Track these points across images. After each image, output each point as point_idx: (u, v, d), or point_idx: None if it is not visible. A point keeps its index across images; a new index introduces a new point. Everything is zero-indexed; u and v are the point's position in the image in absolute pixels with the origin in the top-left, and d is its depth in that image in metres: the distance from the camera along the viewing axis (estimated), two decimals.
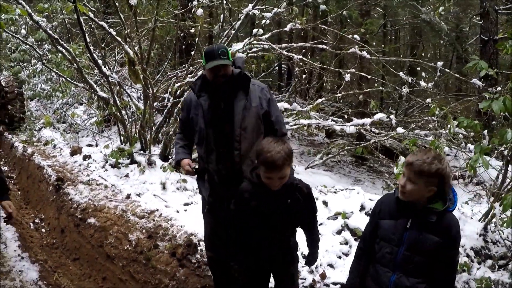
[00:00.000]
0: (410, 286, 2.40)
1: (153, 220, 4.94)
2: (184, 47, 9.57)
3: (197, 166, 3.45)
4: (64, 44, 6.23)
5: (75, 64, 6.75)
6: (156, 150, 7.11)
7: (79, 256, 5.22)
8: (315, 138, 12.83)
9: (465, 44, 15.14)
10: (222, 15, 6.07)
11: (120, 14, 6.19)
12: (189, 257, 4.23)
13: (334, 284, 3.85)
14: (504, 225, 4.18)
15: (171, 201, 5.50)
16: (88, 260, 5.06)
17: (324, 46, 7.16)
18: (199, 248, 4.30)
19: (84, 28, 5.55)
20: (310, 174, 7.93)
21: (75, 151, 7.34)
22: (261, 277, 3.10)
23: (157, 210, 5.13)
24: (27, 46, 8.65)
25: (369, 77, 7.16)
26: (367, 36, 9.44)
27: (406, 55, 14.74)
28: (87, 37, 5.68)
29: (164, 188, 5.85)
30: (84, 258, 5.13)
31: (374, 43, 11.10)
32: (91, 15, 5.31)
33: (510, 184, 4.44)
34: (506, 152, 4.47)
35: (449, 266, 2.39)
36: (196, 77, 3.76)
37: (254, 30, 6.15)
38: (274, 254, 2.97)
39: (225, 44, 6.33)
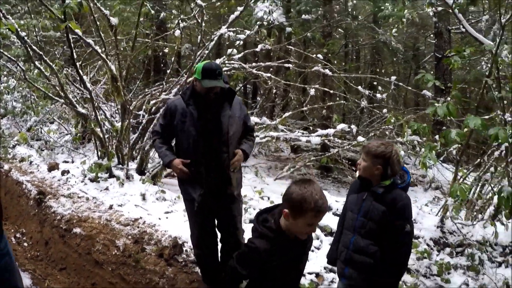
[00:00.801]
0: (364, 246, 2.94)
1: (138, 227, 5.27)
2: (154, 66, 9.99)
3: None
4: (48, 60, 6.51)
5: (52, 81, 7.04)
6: (132, 165, 7.42)
7: (66, 265, 5.39)
8: (281, 154, 13.39)
9: (421, 61, 16.20)
10: (199, 36, 6.51)
11: (101, 33, 6.53)
12: (175, 257, 4.60)
13: (309, 273, 4.34)
14: (454, 211, 4.76)
15: (152, 210, 5.84)
16: (75, 269, 5.24)
17: (290, 65, 7.76)
18: (184, 248, 4.68)
19: (72, 45, 5.89)
20: (279, 184, 8.40)
21: (52, 167, 7.55)
22: None
23: (140, 218, 5.46)
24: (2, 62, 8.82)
25: (331, 91, 7.77)
26: (329, 55, 10.09)
27: (367, 73, 15.62)
28: (74, 54, 6.02)
29: (144, 199, 6.18)
30: (71, 267, 5.31)
31: (335, 62, 11.80)
32: (80, 33, 5.65)
33: (461, 179, 5.05)
34: (454, 152, 5.11)
35: (396, 235, 2.89)
36: (185, 87, 4.28)
37: (229, 50, 6.67)
38: None
39: (197, 64, 6.81)
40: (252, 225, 2.62)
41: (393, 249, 2.90)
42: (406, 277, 4.57)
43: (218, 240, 4.06)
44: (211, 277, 4.05)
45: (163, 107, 7.08)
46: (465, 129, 5.02)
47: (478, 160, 5.69)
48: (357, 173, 3.06)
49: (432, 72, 12.60)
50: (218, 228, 4.02)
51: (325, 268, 4.41)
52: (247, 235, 3.23)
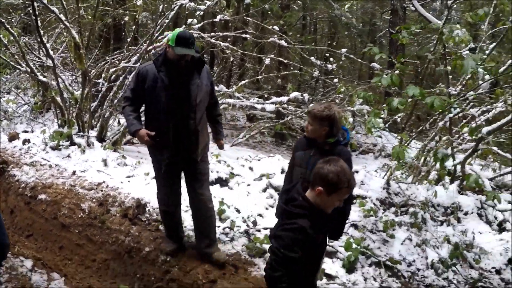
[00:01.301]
0: None
1: (101, 191, 5.50)
2: (114, 34, 10.00)
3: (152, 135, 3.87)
4: (9, 28, 6.47)
5: (11, 49, 7.01)
6: (92, 132, 7.55)
7: (32, 231, 5.49)
8: (237, 122, 13.73)
9: (377, 36, 16.75)
10: (161, 6, 6.63)
11: (62, 0, 6.53)
12: (139, 216, 4.89)
13: (265, 228, 4.75)
14: (395, 170, 5.25)
15: (114, 174, 6.05)
16: (42, 234, 5.37)
17: (247, 36, 8.01)
18: (147, 208, 4.98)
19: (36, 13, 5.90)
20: (235, 150, 8.74)
21: (13, 137, 7.57)
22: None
23: (104, 182, 5.69)
24: None
25: (286, 62, 8.10)
26: (286, 27, 10.37)
27: (323, 45, 16.00)
28: (38, 22, 6.03)
29: (106, 164, 6.38)
30: (38, 233, 5.42)
31: (290, 34, 12.08)
32: (45, 1, 5.68)
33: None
34: (399, 120, 5.59)
35: None
36: (158, 53, 4.54)
37: (189, 20, 6.83)
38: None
39: (158, 32, 6.96)
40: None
41: None
42: (354, 232, 5.04)
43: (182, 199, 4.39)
44: (174, 233, 4.37)
45: (123, 74, 7.28)
46: (409, 100, 5.50)
47: (421, 127, 6.20)
48: (305, 134, 3.45)
49: (387, 48, 13.16)
50: (188, 192, 4.26)
51: None
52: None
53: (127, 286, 4.21)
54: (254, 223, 4.84)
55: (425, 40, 13.94)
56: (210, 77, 4.17)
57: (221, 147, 4.57)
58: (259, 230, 4.77)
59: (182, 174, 4.28)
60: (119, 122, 8.11)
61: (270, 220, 4.75)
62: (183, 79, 3.89)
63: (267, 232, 4.70)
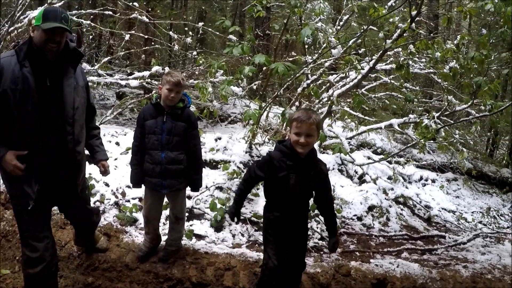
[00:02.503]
0: (174, 157, 3.75)
1: None
2: None
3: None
4: None
5: None
6: None
7: None
8: (106, 101, 13.36)
9: (243, 10, 17.23)
10: None
11: None
12: None
13: (133, 198, 4.97)
14: (250, 134, 5.70)
15: None
16: None
17: (112, 13, 7.88)
18: None
19: None
20: (103, 128, 8.64)
21: None
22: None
23: None
24: None
25: (146, 36, 8.18)
26: (150, 3, 10.24)
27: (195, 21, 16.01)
28: None
29: None
30: None
31: (158, 10, 11.95)
32: None
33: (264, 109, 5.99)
34: (255, 87, 6.04)
35: (194, 139, 3.84)
36: (21, 42, 2.93)
37: None
38: (298, 230, 3.37)
39: (20, 12, 6.51)
40: None
41: (193, 150, 3.85)
42: (219, 194, 5.41)
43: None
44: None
45: None
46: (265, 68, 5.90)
47: (276, 93, 6.73)
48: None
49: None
50: (68, 217, 3.75)
51: None
52: None
53: (8, 270, 4.11)
54: (123, 194, 5.00)
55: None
56: (85, 77, 3.28)
57: (105, 171, 3.52)
58: (128, 201, 4.96)
59: None
60: None
61: (137, 190, 4.92)
62: (54, 76, 2.92)
63: (136, 201, 4.89)
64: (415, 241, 5.79)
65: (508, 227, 7.16)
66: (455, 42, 6.14)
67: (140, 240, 4.30)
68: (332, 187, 6.12)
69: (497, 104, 6.21)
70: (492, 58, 6.99)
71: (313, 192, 3.30)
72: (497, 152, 14.26)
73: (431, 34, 7.28)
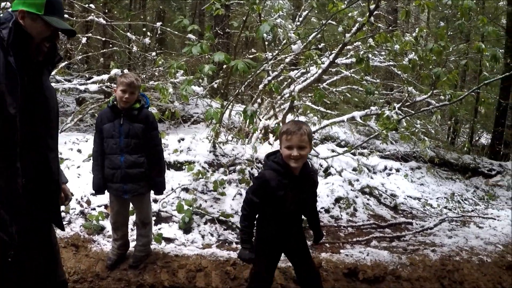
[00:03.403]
0: (134, 160, 3.66)
1: None
2: None
3: None
4: None
5: None
6: None
7: None
8: (66, 108, 13.04)
9: (202, 9, 17.14)
10: None
11: None
12: None
13: (99, 206, 4.85)
14: (212, 132, 5.68)
15: None
16: None
17: (69, 16, 7.66)
18: None
19: None
20: (63, 136, 8.44)
21: None
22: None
23: None
24: None
25: (103, 39, 8.00)
26: (107, 5, 10.05)
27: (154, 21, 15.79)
28: None
29: None
30: None
31: (115, 12, 11.72)
32: None
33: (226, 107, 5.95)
34: (216, 86, 5.99)
35: (153, 140, 3.74)
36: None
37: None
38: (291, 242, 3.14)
39: None
40: None
41: (154, 152, 3.76)
42: (185, 195, 5.35)
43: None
44: None
45: None
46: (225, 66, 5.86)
47: (237, 90, 6.71)
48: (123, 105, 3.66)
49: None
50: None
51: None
52: None
53: None
54: (88, 202, 4.88)
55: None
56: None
57: (66, 197, 2.75)
58: (94, 209, 4.84)
59: None
60: None
61: (102, 197, 4.82)
62: (32, 76, 2.32)
63: (102, 209, 4.79)
64: (383, 229, 5.89)
65: (472, 211, 7.38)
66: (414, 34, 6.27)
67: (109, 248, 4.20)
68: None
69: (456, 94, 6.38)
70: (450, 50, 7.18)
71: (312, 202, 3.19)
72: (458, 139, 14.72)
73: (390, 28, 7.39)
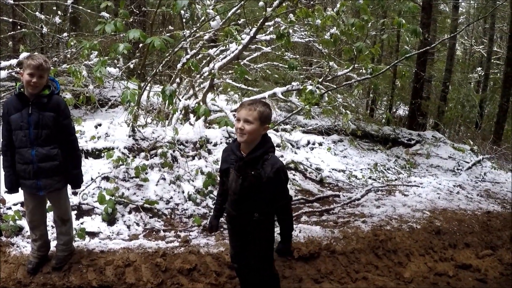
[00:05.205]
0: (47, 152, 3.30)
1: None
2: None
3: None
4: None
5: None
6: None
7: None
8: None
9: None
10: None
11: None
12: None
13: (14, 204, 4.40)
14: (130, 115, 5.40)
15: None
16: None
17: None
18: None
19: None
20: None
21: None
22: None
23: None
24: None
25: (11, 20, 7.34)
26: None
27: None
28: None
29: None
30: None
31: None
32: None
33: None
34: (132, 66, 5.66)
35: (68, 129, 3.42)
36: None
37: None
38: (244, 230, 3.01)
39: None
40: None
41: (67, 142, 3.43)
42: (106, 184, 5.00)
43: None
44: None
45: None
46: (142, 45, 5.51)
47: (155, 70, 6.40)
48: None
49: None
50: None
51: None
52: None
53: None
54: (2, 201, 4.40)
55: None
56: None
57: None
58: (9, 208, 4.39)
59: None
60: None
61: (17, 194, 4.40)
62: None
63: (18, 207, 4.36)
64: (311, 203, 5.95)
65: (396, 179, 7.68)
66: (335, 9, 6.27)
67: (29, 251, 3.81)
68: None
69: (377, 68, 6.51)
70: (370, 25, 7.31)
71: (258, 194, 2.84)
72: (377, 112, 15.31)
73: (312, 2, 7.38)
